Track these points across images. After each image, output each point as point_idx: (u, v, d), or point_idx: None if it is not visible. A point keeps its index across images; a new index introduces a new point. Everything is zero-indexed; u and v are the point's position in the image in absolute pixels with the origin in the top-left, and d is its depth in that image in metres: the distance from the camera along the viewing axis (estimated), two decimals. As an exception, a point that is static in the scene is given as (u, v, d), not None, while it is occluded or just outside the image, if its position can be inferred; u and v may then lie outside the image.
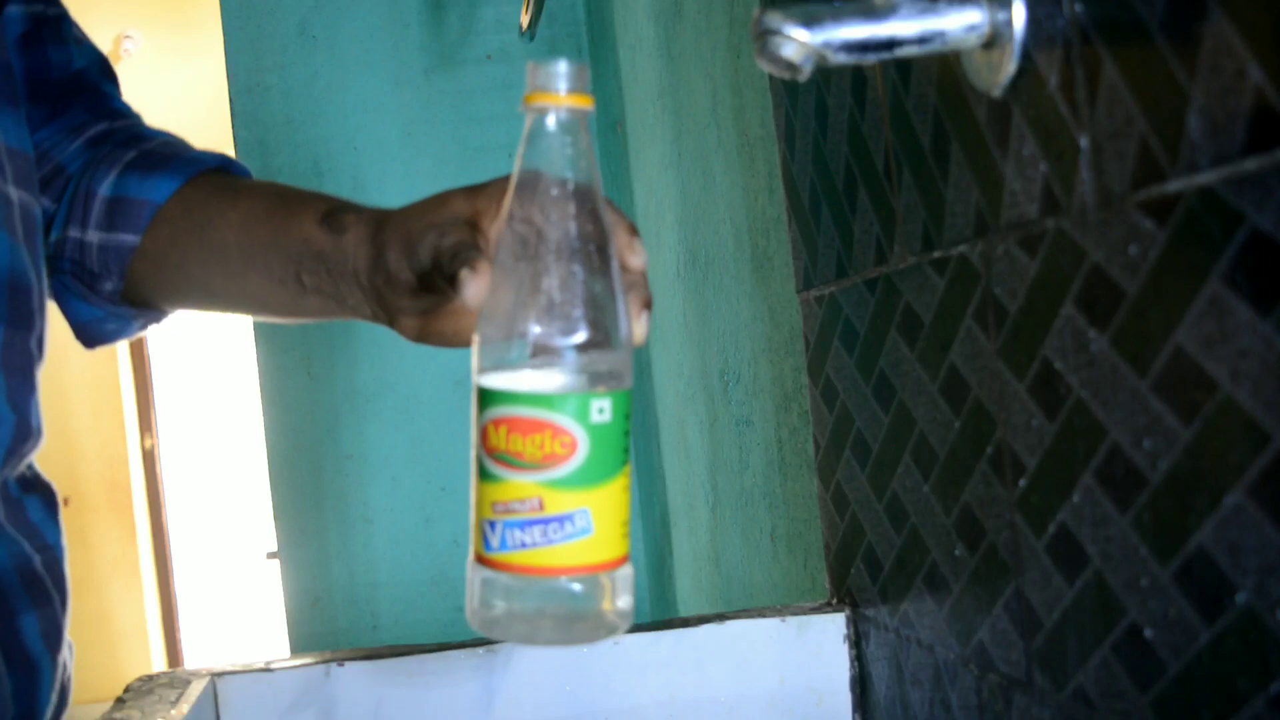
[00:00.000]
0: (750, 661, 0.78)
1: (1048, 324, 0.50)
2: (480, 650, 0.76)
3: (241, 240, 0.76)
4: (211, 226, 0.78)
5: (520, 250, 0.52)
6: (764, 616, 0.79)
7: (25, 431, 0.73)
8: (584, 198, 0.52)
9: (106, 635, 4.90)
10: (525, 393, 0.50)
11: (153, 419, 5.31)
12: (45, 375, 0.77)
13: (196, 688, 0.73)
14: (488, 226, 0.63)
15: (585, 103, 0.52)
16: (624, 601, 0.53)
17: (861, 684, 0.78)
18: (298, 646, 1.87)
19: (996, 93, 0.52)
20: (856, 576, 0.77)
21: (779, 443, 1.05)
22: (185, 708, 0.69)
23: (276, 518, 1.89)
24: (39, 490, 0.77)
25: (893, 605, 0.71)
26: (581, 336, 0.51)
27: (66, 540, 0.79)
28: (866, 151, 0.69)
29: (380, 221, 0.69)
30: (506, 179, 0.60)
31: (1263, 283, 0.37)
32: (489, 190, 0.65)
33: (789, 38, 0.47)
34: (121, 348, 5.16)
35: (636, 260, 0.59)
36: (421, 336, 0.69)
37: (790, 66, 0.48)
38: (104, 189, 0.81)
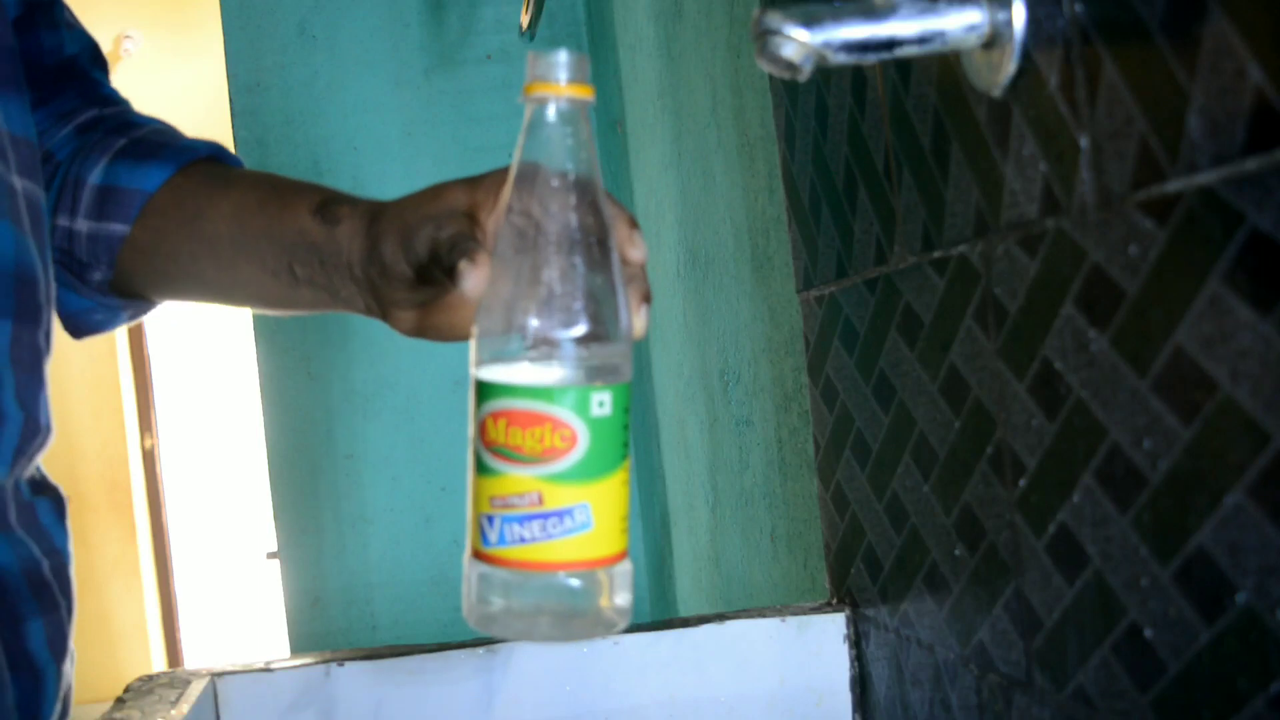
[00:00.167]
0: (750, 661, 0.78)
1: (1048, 324, 0.50)
2: (480, 650, 0.76)
3: (233, 231, 0.75)
4: (203, 216, 0.77)
5: (519, 242, 0.51)
6: (764, 616, 0.79)
7: (33, 429, 0.71)
8: (584, 189, 0.52)
9: (106, 635, 4.90)
10: (525, 385, 0.50)
11: (153, 419, 5.31)
12: (46, 374, 0.76)
13: (196, 688, 0.73)
14: (486, 218, 0.62)
15: (586, 93, 0.52)
16: (622, 598, 0.52)
17: (861, 684, 0.78)
18: (297, 646, 1.87)
19: (996, 93, 0.52)
20: (856, 576, 0.77)
21: (779, 443, 1.04)
22: (185, 708, 0.69)
23: (276, 518, 1.89)
24: (48, 493, 0.76)
25: (893, 605, 0.71)
26: (582, 329, 0.50)
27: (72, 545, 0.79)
28: (866, 151, 0.69)
29: (375, 213, 0.69)
30: (505, 170, 0.60)
31: (1263, 283, 0.37)
32: (487, 182, 0.64)
33: (789, 38, 0.47)
34: (122, 348, 5.16)
35: (637, 253, 0.58)
36: (417, 330, 0.68)
37: (790, 66, 0.48)
38: (94, 177, 0.79)
